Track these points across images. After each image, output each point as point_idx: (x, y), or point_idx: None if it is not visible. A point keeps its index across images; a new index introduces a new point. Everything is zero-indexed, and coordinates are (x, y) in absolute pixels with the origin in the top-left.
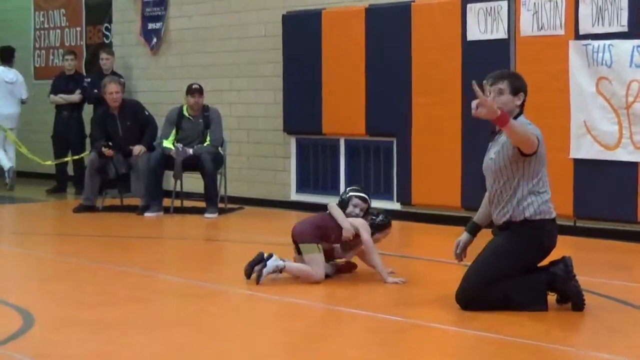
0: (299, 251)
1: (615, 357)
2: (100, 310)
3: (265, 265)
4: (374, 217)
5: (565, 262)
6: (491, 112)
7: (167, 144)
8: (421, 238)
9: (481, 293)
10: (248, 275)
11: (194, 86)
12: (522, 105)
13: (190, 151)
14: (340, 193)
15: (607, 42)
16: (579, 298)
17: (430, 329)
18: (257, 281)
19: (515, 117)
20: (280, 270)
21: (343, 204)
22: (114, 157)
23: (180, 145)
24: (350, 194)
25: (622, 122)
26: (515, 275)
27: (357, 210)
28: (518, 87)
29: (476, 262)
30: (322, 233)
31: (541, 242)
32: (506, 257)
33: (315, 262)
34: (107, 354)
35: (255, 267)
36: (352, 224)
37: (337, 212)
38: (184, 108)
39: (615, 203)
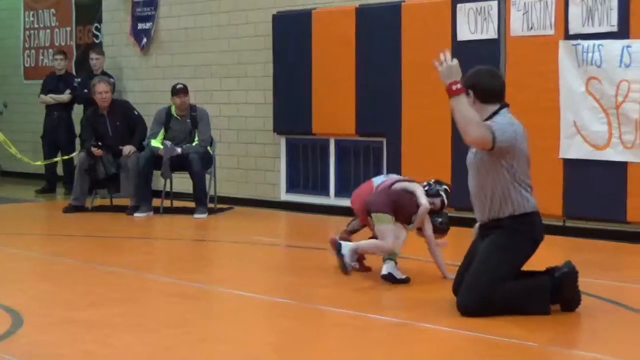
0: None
1: (606, 357)
2: (89, 311)
3: (343, 256)
4: (437, 219)
5: (570, 266)
6: (446, 74)
7: (156, 143)
8: (411, 238)
9: (485, 302)
10: (346, 270)
11: (178, 86)
12: (487, 102)
13: (179, 150)
14: (426, 182)
15: (597, 42)
16: (577, 301)
17: (422, 329)
18: (347, 271)
19: (494, 114)
20: (356, 252)
21: (428, 193)
22: (103, 157)
23: (168, 142)
24: (439, 189)
25: (612, 122)
26: (513, 274)
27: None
28: (468, 84)
29: (473, 269)
30: (395, 207)
31: (533, 237)
32: (502, 260)
33: (387, 233)
34: (97, 355)
35: (343, 263)
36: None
37: (419, 190)
38: (172, 108)
39: (605, 203)
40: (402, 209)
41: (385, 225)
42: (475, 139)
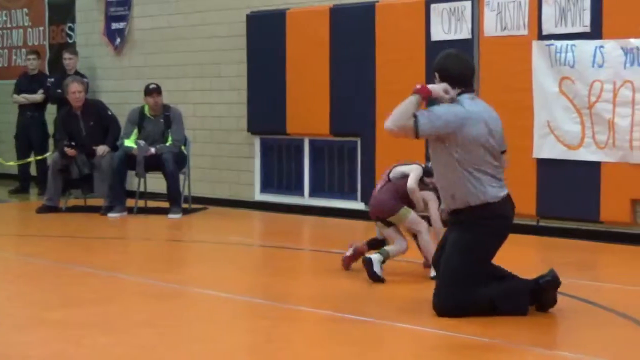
0: (387, 224)
1: (581, 355)
2: (63, 311)
3: (372, 265)
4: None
5: (553, 274)
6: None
7: (129, 143)
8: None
9: (460, 308)
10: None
11: (151, 86)
12: (451, 85)
13: (152, 149)
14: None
15: (570, 42)
16: (552, 302)
17: (396, 328)
18: (379, 279)
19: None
20: (384, 260)
21: (426, 174)
22: (77, 157)
23: (142, 142)
24: None
25: (585, 122)
26: (485, 270)
27: (431, 186)
28: (435, 67)
29: (443, 268)
30: (401, 196)
31: (494, 229)
32: (469, 260)
33: (414, 221)
34: (70, 355)
35: (371, 273)
36: (423, 195)
37: (413, 172)
38: (145, 108)
39: (578, 202)
40: (406, 196)
41: (408, 218)
42: (391, 128)
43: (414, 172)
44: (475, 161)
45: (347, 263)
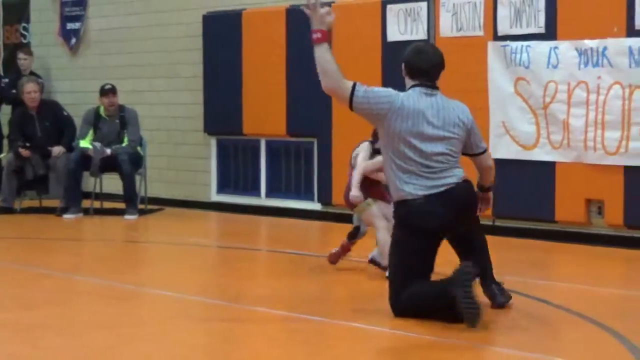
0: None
1: (535, 354)
2: (18, 313)
3: (379, 263)
4: None
5: (461, 269)
6: (314, 21)
7: (85, 144)
8: (342, 238)
9: (400, 306)
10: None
11: (106, 87)
12: (411, 77)
13: (108, 151)
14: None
15: (525, 43)
16: (467, 310)
17: (351, 328)
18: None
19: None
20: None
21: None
22: (32, 158)
23: (98, 144)
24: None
25: (540, 123)
26: (416, 264)
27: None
28: (402, 58)
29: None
30: (364, 187)
31: (410, 226)
32: (396, 258)
33: (372, 220)
34: (26, 357)
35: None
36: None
37: (363, 152)
38: (101, 109)
39: (533, 202)
40: (369, 183)
41: (365, 213)
42: (328, 90)
43: (362, 151)
44: (398, 154)
45: (334, 259)
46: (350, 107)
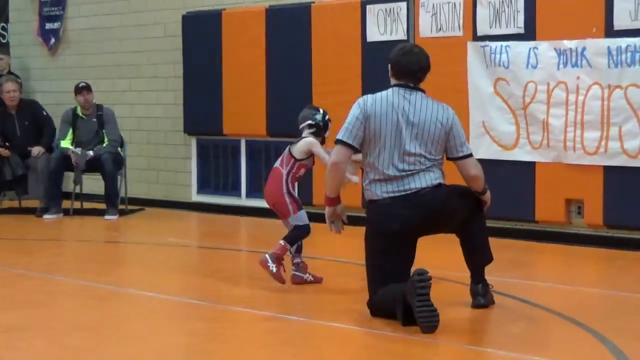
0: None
1: (515, 354)
2: None
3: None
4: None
5: (415, 275)
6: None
7: (65, 144)
8: (323, 238)
9: (371, 301)
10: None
11: (80, 84)
12: (396, 78)
13: (91, 153)
14: (313, 117)
15: (504, 43)
16: (421, 319)
17: (332, 328)
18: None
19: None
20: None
21: (322, 128)
22: (10, 158)
23: (78, 150)
24: (326, 117)
25: (520, 123)
26: (389, 266)
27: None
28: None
29: None
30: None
31: (374, 227)
32: (366, 254)
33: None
34: (6, 358)
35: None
36: (305, 146)
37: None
38: (78, 108)
39: (513, 202)
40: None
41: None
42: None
43: (315, 146)
44: (373, 155)
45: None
46: (354, 149)
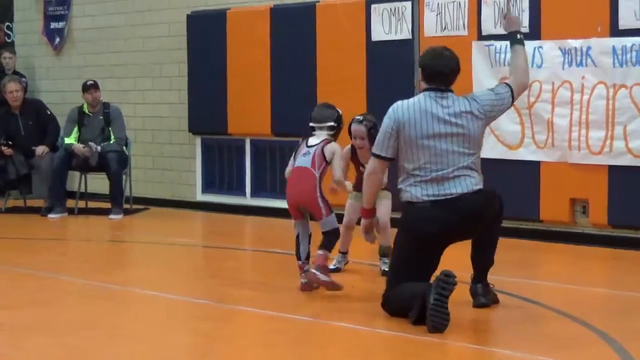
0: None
1: (520, 353)
2: (3, 313)
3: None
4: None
5: (442, 275)
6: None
7: (70, 141)
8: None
9: (385, 300)
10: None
11: (88, 82)
12: (427, 82)
13: (99, 148)
14: (335, 119)
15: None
16: (432, 316)
17: (338, 328)
18: None
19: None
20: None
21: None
22: (14, 157)
23: (92, 144)
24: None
25: (525, 122)
26: (405, 270)
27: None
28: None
29: None
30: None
31: (408, 229)
32: (394, 255)
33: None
34: (10, 357)
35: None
36: (332, 152)
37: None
38: (84, 106)
39: (519, 202)
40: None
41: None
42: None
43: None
44: (408, 159)
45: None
46: (388, 159)
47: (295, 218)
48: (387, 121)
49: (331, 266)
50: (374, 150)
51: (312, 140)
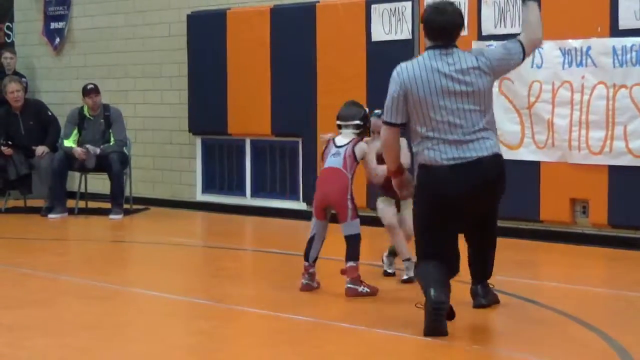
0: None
1: (520, 354)
2: (3, 313)
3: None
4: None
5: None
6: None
7: (69, 143)
8: (330, 238)
9: (417, 270)
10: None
11: (89, 86)
12: (430, 39)
13: (98, 150)
14: (361, 118)
15: None
16: (431, 320)
17: (338, 328)
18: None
19: None
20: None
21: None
22: (14, 157)
23: (89, 147)
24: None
25: (525, 122)
26: (433, 236)
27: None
28: None
29: None
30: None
31: (426, 191)
32: (415, 214)
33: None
34: (10, 357)
35: None
36: (362, 152)
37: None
38: (85, 108)
39: (518, 202)
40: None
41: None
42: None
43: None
44: (421, 121)
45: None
46: (399, 126)
47: (317, 217)
48: (393, 85)
49: (389, 270)
50: (385, 118)
51: (340, 140)
